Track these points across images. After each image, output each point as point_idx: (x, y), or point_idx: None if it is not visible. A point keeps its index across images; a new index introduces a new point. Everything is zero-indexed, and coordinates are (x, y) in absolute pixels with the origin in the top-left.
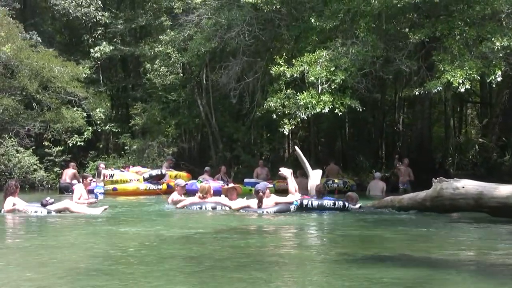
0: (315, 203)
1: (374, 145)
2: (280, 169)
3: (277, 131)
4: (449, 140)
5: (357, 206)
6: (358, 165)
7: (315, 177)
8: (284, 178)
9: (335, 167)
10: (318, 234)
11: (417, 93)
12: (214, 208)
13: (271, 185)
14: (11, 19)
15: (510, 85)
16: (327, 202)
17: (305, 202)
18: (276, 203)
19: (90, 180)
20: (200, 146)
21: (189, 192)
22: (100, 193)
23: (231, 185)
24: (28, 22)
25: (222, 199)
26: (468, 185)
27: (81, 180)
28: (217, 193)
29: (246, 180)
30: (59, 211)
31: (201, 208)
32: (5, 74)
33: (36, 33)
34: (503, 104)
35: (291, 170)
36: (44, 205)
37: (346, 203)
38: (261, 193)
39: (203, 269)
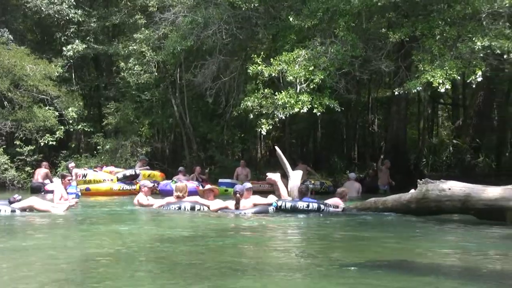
0: (289, 204)
1: (348, 146)
2: (268, 174)
3: (250, 132)
4: (423, 141)
5: (341, 207)
6: (332, 165)
7: (295, 178)
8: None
9: (303, 166)
10: (301, 238)
11: (396, 93)
12: (192, 208)
13: (252, 185)
14: None
15: (484, 87)
16: (301, 204)
17: (279, 203)
18: (255, 205)
19: (69, 180)
20: (173, 146)
21: (163, 193)
22: (73, 193)
23: (207, 186)
24: None
25: (200, 198)
26: (454, 187)
27: (54, 180)
28: (192, 193)
29: (220, 180)
30: (24, 209)
31: (179, 208)
32: None
33: (7, 30)
34: (477, 106)
35: (279, 174)
36: (11, 203)
37: (322, 206)
38: (238, 195)
39: (178, 274)
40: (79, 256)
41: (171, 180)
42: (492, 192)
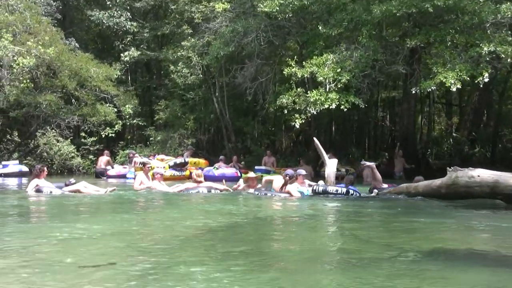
0: (320, 189)
1: (358, 139)
2: (363, 161)
3: (277, 125)
4: (428, 135)
5: (375, 192)
6: (349, 155)
7: (331, 165)
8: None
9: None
10: (354, 223)
11: (413, 91)
12: (209, 191)
13: (305, 172)
14: (53, 27)
15: (480, 88)
16: (331, 188)
17: (314, 188)
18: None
19: (149, 168)
20: (214, 137)
21: (206, 178)
22: (131, 178)
23: (251, 174)
24: (67, 31)
25: (214, 183)
26: (483, 174)
27: (115, 166)
28: (232, 178)
29: (256, 167)
30: (72, 191)
31: (198, 192)
32: (48, 74)
33: (74, 40)
34: (473, 104)
35: (373, 163)
36: (67, 185)
37: (350, 190)
38: (287, 177)
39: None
40: (187, 229)
41: (213, 167)
42: None
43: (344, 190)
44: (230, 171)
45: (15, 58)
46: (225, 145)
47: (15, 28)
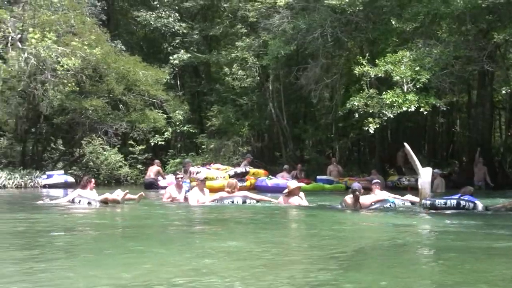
0: (428, 203)
1: (420, 145)
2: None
3: (336, 132)
4: (506, 141)
5: (482, 206)
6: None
7: (425, 175)
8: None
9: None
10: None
11: (504, 91)
12: (244, 202)
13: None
14: (98, 28)
15: None
16: (439, 202)
17: (423, 201)
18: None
19: (181, 178)
20: (269, 145)
21: (259, 188)
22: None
23: (293, 183)
24: (112, 33)
25: (249, 193)
26: None
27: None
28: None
29: (318, 177)
30: (102, 201)
31: (232, 202)
32: (94, 77)
33: (120, 41)
34: None
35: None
36: None
37: (462, 202)
38: (357, 193)
39: None
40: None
41: (266, 177)
42: None
43: (455, 202)
44: (284, 181)
45: (59, 59)
46: (282, 153)
47: (59, 28)
